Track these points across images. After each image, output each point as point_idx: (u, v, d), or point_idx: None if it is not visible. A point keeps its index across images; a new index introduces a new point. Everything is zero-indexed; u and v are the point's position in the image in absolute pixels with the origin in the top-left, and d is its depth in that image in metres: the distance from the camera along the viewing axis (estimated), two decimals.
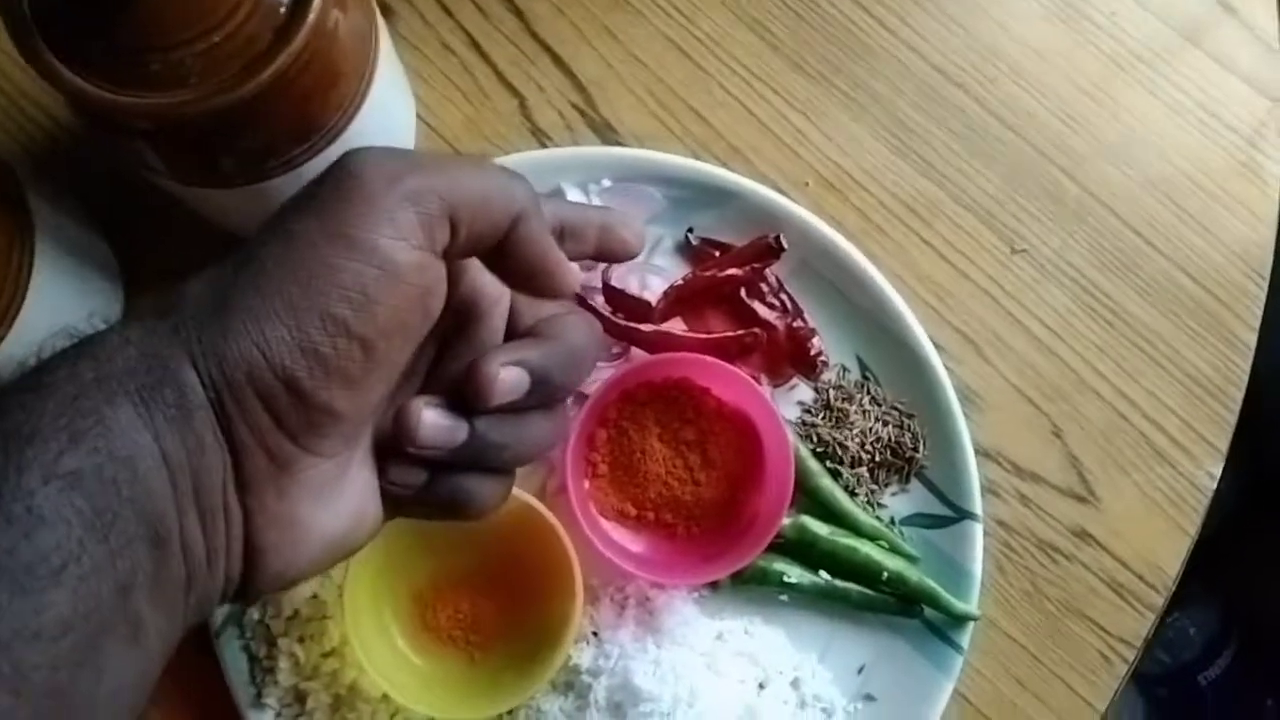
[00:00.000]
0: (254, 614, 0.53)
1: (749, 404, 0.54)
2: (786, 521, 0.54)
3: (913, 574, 0.54)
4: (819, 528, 0.54)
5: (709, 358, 0.53)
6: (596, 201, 0.58)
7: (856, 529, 0.55)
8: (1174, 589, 0.56)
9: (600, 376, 0.55)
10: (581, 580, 0.51)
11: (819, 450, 0.56)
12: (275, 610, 0.53)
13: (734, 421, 0.55)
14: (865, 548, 0.54)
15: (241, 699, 0.53)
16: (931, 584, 0.54)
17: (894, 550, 0.55)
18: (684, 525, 0.55)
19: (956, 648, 0.54)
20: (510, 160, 0.58)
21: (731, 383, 0.54)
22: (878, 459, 0.56)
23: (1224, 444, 0.58)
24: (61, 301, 0.52)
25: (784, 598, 0.55)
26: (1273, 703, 1.12)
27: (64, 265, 0.52)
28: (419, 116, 0.60)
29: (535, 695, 0.52)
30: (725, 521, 0.54)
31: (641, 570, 0.53)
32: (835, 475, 0.56)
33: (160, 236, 0.58)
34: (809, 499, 0.55)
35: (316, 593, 0.53)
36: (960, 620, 0.54)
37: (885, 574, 0.54)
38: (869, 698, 0.54)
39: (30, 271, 0.49)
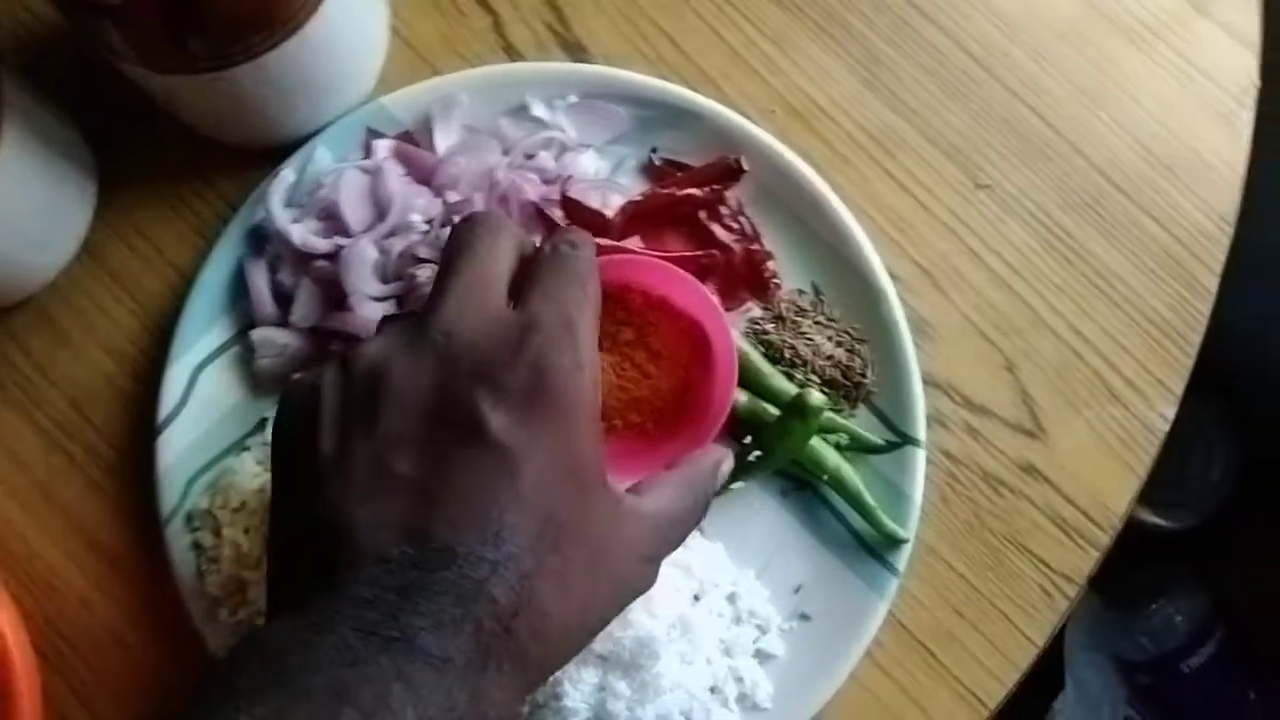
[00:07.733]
0: (202, 503, 0.55)
1: (675, 291, 0.53)
2: (742, 400, 0.54)
3: (853, 480, 0.54)
4: (770, 409, 0.54)
5: (618, 255, 0.53)
6: (561, 118, 0.58)
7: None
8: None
9: None
10: None
11: (769, 354, 0.56)
12: (223, 500, 0.54)
13: (666, 310, 0.54)
14: (814, 441, 0.54)
15: (186, 589, 0.54)
16: (868, 497, 0.54)
17: (855, 440, 0.55)
18: (651, 421, 0.54)
19: (892, 569, 0.54)
20: (478, 74, 0.58)
21: (653, 274, 0.52)
22: (827, 375, 0.56)
23: (1179, 387, 0.58)
24: (28, 185, 0.54)
25: (738, 485, 0.55)
26: (1255, 694, 1.11)
27: (33, 150, 0.53)
28: (394, 29, 0.61)
29: None
30: (688, 407, 0.53)
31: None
32: (789, 377, 0.56)
33: (138, 142, 0.60)
34: (762, 399, 0.55)
35: (264, 486, 0.54)
36: (889, 540, 0.54)
37: (826, 474, 0.54)
38: (804, 616, 0.54)
39: None
